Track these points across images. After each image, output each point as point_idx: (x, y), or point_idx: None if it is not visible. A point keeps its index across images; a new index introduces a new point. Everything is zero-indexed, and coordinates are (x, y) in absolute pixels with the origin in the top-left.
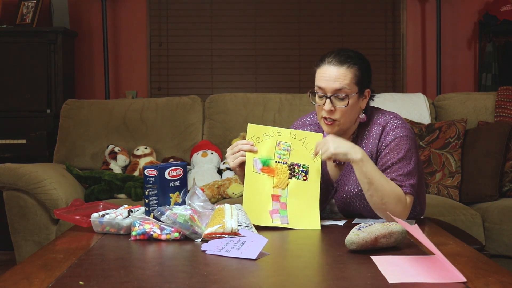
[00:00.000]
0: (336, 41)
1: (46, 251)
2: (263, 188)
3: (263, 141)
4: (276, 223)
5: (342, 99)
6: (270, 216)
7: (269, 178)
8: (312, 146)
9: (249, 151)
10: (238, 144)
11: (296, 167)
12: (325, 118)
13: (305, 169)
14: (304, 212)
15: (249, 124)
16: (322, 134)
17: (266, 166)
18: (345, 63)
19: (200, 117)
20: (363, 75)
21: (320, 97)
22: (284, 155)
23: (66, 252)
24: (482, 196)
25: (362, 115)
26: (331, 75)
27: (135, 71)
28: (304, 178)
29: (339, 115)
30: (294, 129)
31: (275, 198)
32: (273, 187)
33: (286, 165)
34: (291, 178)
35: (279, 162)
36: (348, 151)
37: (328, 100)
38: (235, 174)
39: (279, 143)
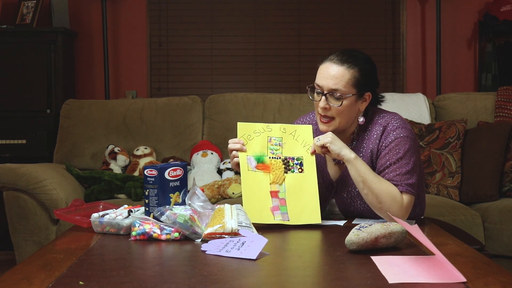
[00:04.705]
0: (336, 41)
1: (46, 251)
2: (261, 186)
3: (254, 138)
4: (278, 219)
5: (337, 98)
6: (272, 213)
7: (265, 175)
8: (303, 139)
9: (239, 150)
10: (229, 143)
11: (290, 161)
12: (321, 116)
13: (299, 161)
14: (304, 206)
15: (238, 123)
16: (311, 126)
17: (260, 163)
18: (346, 62)
19: (200, 117)
20: (363, 77)
21: (318, 93)
22: (276, 150)
23: (66, 252)
24: (482, 196)
25: (361, 119)
26: (329, 73)
27: (135, 71)
28: (300, 170)
29: (334, 113)
30: None
31: (274, 194)
32: (270, 184)
33: (280, 159)
34: (286, 173)
35: (273, 157)
36: (342, 149)
37: (323, 98)
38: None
39: (270, 138)
